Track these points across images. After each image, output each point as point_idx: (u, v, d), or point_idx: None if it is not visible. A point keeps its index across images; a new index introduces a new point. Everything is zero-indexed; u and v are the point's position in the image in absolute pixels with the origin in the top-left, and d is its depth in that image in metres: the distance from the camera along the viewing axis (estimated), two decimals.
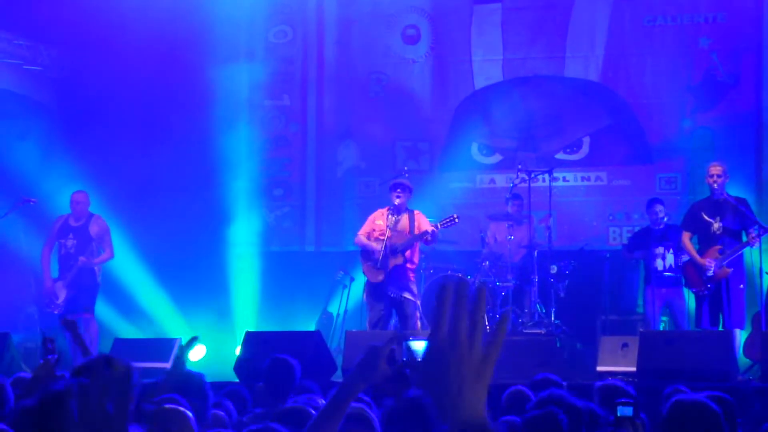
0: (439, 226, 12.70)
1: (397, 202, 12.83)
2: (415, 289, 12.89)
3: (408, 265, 12.83)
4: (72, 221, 13.62)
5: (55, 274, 13.64)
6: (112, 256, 13.80)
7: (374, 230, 12.91)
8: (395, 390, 4.19)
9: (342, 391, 3.90)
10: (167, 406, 5.11)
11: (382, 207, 13.29)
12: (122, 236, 14.92)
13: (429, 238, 12.67)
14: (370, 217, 13.08)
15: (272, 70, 16.72)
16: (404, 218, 12.84)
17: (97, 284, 13.66)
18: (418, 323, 12.73)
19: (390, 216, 12.82)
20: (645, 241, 13.75)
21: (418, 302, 12.88)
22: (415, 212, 12.89)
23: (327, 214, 16.53)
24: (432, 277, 14.36)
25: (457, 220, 12.75)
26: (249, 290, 15.75)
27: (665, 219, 13.51)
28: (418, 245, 12.93)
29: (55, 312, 13.25)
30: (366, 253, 12.93)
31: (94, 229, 13.58)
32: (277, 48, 16.79)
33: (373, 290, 12.86)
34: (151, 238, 15.45)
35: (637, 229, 14.89)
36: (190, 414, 5.00)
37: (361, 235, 13.03)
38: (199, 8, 15.92)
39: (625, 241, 15.17)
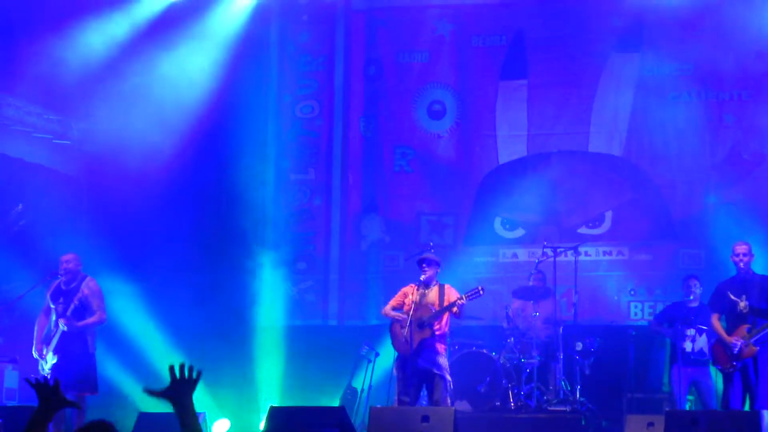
0: (464, 298, 12.66)
1: (423, 277, 12.83)
2: (444, 363, 12.72)
3: (437, 339, 12.69)
4: (63, 285, 13.14)
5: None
6: (101, 321, 13.09)
7: (404, 304, 12.88)
8: None
9: None
10: None
11: (405, 281, 13.29)
12: (147, 310, 14.93)
13: (456, 310, 12.61)
14: (402, 290, 13.04)
15: (298, 144, 16.83)
16: (433, 292, 12.80)
17: (88, 354, 12.94)
18: (448, 400, 12.64)
19: (418, 290, 12.82)
20: (676, 316, 13.72)
21: (448, 378, 12.73)
22: (446, 286, 12.85)
23: (350, 288, 16.50)
24: (457, 353, 14.31)
25: (482, 293, 12.71)
26: (273, 364, 15.71)
27: (699, 296, 13.51)
28: (449, 318, 12.81)
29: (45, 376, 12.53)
30: (394, 326, 12.88)
31: (84, 292, 13.01)
32: (303, 122, 16.90)
33: (402, 363, 12.80)
34: (175, 312, 15.46)
35: (660, 305, 14.86)
36: None
37: (388, 307, 13.00)
38: (228, 81, 16.08)
39: (649, 317, 15.12)
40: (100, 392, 13.10)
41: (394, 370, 13.02)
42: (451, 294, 12.72)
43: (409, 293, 12.86)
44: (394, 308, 12.89)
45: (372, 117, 16.73)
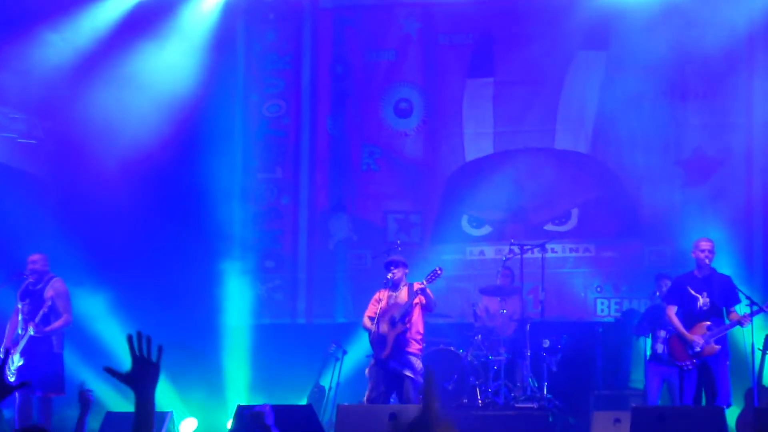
0: (425, 282, 12.60)
1: (390, 276, 12.85)
2: (417, 364, 12.65)
3: (411, 337, 12.68)
4: (31, 285, 13.13)
5: None
6: (68, 323, 13.09)
7: (379, 309, 12.85)
8: None
9: None
10: None
11: (373, 279, 13.35)
12: (113, 309, 14.89)
13: (423, 298, 12.57)
14: (374, 297, 13.01)
15: (265, 143, 16.83)
16: (403, 292, 12.78)
17: (55, 355, 12.95)
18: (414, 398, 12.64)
19: (388, 292, 12.83)
20: (660, 317, 13.74)
21: (420, 380, 12.62)
22: (415, 284, 12.85)
23: (318, 287, 16.51)
24: (424, 351, 14.32)
25: (440, 272, 12.65)
26: (240, 363, 15.70)
27: None
28: (419, 315, 12.78)
29: (10, 380, 12.51)
30: (371, 332, 12.85)
31: (48, 293, 12.99)
32: (270, 121, 16.89)
33: (375, 366, 12.81)
34: (142, 311, 15.41)
35: (626, 302, 14.96)
36: None
37: (365, 319, 12.96)
38: (195, 82, 16.05)
39: (616, 313, 15.19)
40: (67, 392, 13.06)
41: (367, 371, 13.00)
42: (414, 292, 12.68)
43: (382, 298, 12.86)
44: (370, 317, 12.86)
45: (339, 116, 16.75)
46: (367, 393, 12.92)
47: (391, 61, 16.64)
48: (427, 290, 12.62)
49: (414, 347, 12.72)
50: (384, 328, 12.65)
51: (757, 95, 15.25)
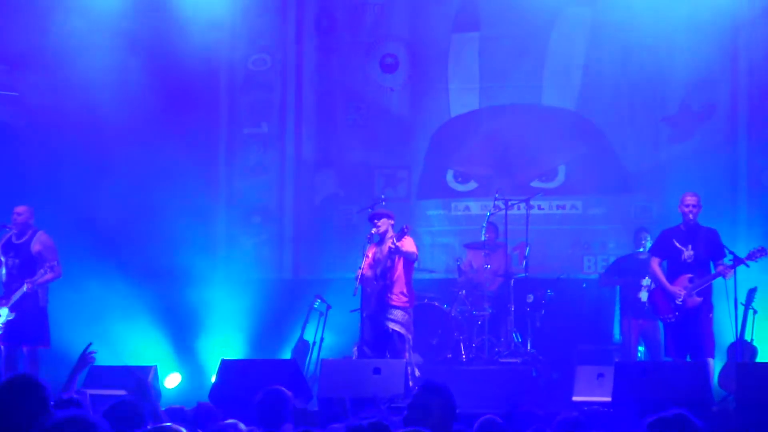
0: (395, 243, 12.48)
1: (374, 231, 12.86)
2: (403, 317, 12.63)
3: (393, 290, 12.64)
4: (14, 238, 13.09)
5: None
6: (58, 275, 13.02)
7: (368, 263, 12.84)
8: None
9: None
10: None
11: (359, 234, 13.37)
12: (99, 261, 14.88)
13: (392, 246, 12.48)
14: (365, 253, 13.00)
15: (251, 98, 16.76)
16: (388, 244, 12.74)
17: (40, 309, 12.96)
18: (407, 355, 12.58)
19: (376, 246, 12.84)
20: (627, 269, 13.84)
21: (407, 335, 12.66)
22: (386, 244, 12.78)
23: (305, 242, 16.51)
24: (412, 303, 14.33)
25: (407, 230, 12.55)
26: (225, 318, 15.69)
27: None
28: (403, 268, 12.72)
29: None
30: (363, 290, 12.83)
31: (35, 247, 12.98)
32: (255, 76, 16.82)
33: (364, 321, 12.84)
34: (127, 264, 15.42)
35: (613, 258, 14.97)
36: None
37: (359, 271, 12.90)
38: (179, 36, 15.96)
39: (602, 270, 15.21)
40: (53, 348, 13.11)
41: (361, 326, 13.00)
42: (404, 242, 12.63)
43: (368, 254, 12.86)
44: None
45: (325, 71, 16.68)
46: (355, 348, 12.98)
47: (377, 16, 16.55)
48: (402, 248, 12.54)
49: (399, 301, 12.68)
50: (370, 283, 12.66)
51: (741, 47, 15.24)
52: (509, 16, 15.95)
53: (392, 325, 12.59)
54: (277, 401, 7.73)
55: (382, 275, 12.63)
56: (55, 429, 4.41)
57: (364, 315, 12.82)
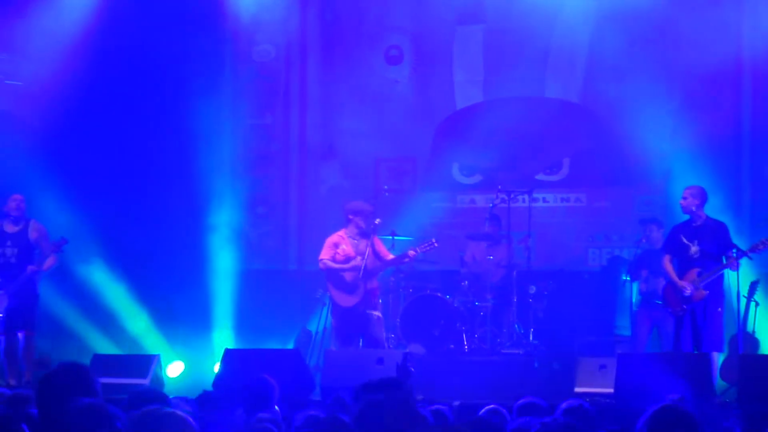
0: (418, 251, 12.84)
1: (377, 221, 13.00)
2: (379, 303, 13.22)
3: (376, 284, 13.19)
4: (8, 227, 13.11)
5: None
6: (56, 262, 13.21)
7: (338, 254, 13.00)
8: None
9: None
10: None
11: None
12: (102, 252, 14.91)
13: (407, 260, 12.88)
14: (330, 241, 13.15)
15: (255, 89, 16.78)
16: (363, 243, 12.95)
17: (36, 295, 13.08)
18: (383, 334, 13.09)
19: (356, 241, 12.97)
20: (652, 262, 13.73)
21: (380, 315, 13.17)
22: (409, 251, 13.04)
23: (309, 233, 16.51)
24: (411, 296, 14.39)
25: (435, 245, 12.84)
26: (230, 308, 15.74)
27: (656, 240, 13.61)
28: (374, 259, 13.08)
29: None
30: (338, 279, 12.99)
31: (33, 235, 13.03)
32: (260, 67, 16.84)
33: (343, 314, 12.96)
34: (131, 254, 15.46)
35: (617, 250, 14.98)
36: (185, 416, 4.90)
37: (329, 260, 13.08)
38: (182, 26, 15.96)
39: (604, 263, 15.21)
40: (56, 334, 13.20)
41: (333, 320, 13.24)
42: (379, 245, 13.07)
43: (343, 243, 13.13)
44: (339, 262, 13.10)
45: (329, 62, 16.68)
46: (337, 338, 13.12)
47: (381, 8, 16.56)
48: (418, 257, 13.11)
49: (378, 294, 13.21)
50: (357, 275, 12.79)
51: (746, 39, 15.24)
52: (514, 8, 15.95)
53: (376, 312, 13.00)
54: (263, 389, 7.81)
55: (377, 275, 13.08)
56: (75, 415, 4.50)
57: (341, 308, 13.05)
